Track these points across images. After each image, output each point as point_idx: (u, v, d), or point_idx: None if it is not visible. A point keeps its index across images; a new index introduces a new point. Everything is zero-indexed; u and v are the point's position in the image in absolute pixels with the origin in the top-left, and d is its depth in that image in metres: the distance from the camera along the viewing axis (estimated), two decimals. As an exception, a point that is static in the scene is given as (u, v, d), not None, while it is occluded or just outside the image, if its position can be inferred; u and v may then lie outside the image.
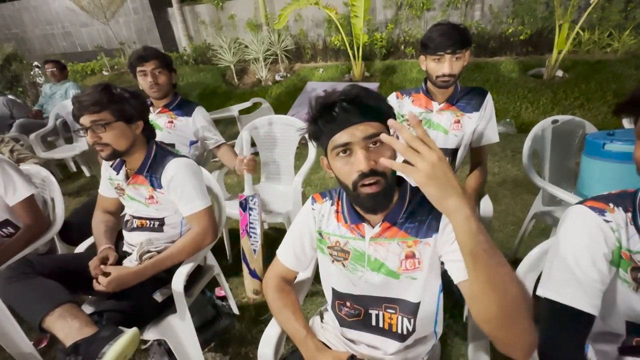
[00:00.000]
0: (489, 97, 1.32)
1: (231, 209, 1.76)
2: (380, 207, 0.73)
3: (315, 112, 0.71)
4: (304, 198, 1.75)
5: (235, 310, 1.61)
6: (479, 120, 1.31)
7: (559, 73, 3.96)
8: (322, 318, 0.95)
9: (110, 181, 1.27)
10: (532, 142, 1.55)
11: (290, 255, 0.89)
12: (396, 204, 0.76)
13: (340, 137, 0.67)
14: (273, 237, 2.09)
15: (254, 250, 1.52)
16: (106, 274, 1.05)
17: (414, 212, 0.75)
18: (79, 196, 3.05)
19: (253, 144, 3.39)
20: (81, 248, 1.36)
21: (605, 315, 0.65)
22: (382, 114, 0.69)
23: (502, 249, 1.90)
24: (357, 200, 0.73)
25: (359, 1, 4.31)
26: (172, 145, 1.64)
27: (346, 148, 0.68)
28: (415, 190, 0.78)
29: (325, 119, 0.69)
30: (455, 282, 0.67)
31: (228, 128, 4.30)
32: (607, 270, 0.62)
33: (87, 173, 3.43)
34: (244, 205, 1.52)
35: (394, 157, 0.70)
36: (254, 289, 1.55)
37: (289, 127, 1.92)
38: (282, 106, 4.47)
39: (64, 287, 1.02)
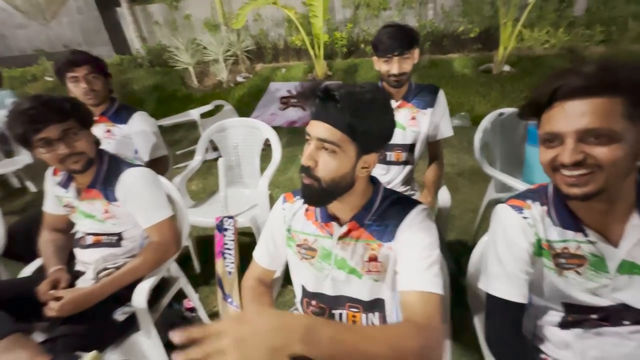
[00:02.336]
0: (441, 93, 1.39)
1: (196, 216, 1.71)
2: (310, 201, 0.75)
3: (301, 93, 0.71)
4: (272, 200, 1.74)
5: (207, 321, 1.57)
6: (433, 116, 1.38)
7: (506, 68, 4.26)
8: None
9: (57, 199, 1.18)
10: (482, 135, 1.65)
11: (264, 255, 0.91)
12: (365, 205, 0.77)
13: (309, 125, 0.70)
14: (242, 242, 2.05)
15: (229, 273, 1.49)
16: (59, 298, 0.97)
17: (383, 215, 0.77)
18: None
19: (215, 149, 3.31)
20: (28, 271, 1.25)
21: (544, 298, 0.73)
22: (352, 128, 0.67)
23: (463, 235, 2.01)
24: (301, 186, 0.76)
25: (317, 1, 4.33)
26: None
27: (308, 137, 0.70)
28: (388, 194, 0.80)
29: (308, 103, 0.71)
30: (398, 289, 0.71)
31: (190, 133, 4.14)
32: (530, 262, 0.70)
33: (32, 189, 3.14)
34: (219, 227, 1.50)
35: (346, 171, 0.69)
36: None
37: (253, 129, 1.89)
38: (245, 108, 4.39)
39: (10, 315, 0.94)
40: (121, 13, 6.36)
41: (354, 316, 0.81)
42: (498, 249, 0.72)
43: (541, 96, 0.60)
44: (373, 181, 0.81)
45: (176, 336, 0.44)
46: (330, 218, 0.79)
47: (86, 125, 1.07)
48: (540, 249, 0.69)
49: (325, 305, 0.83)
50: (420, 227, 0.73)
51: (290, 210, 0.85)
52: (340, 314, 0.82)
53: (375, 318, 0.81)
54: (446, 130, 1.42)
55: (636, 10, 4.30)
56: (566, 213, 0.67)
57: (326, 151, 0.68)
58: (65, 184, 1.14)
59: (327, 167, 0.69)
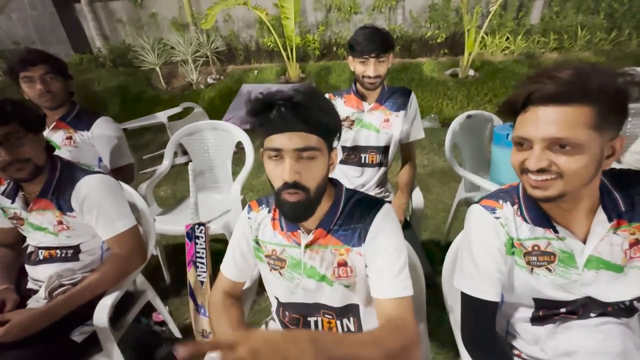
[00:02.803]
0: (412, 96, 1.42)
1: (165, 224, 1.63)
2: (299, 217, 0.72)
3: (252, 109, 0.67)
4: (244, 205, 1.69)
5: (178, 334, 1.49)
6: (405, 118, 1.40)
7: (471, 72, 4.46)
8: (267, 329, 0.92)
9: (2, 211, 1.07)
10: (451, 136, 1.71)
11: (232, 267, 0.86)
12: (329, 209, 0.76)
13: (273, 141, 0.65)
14: (214, 249, 1.98)
15: (201, 283, 1.42)
16: (4, 322, 0.87)
17: (348, 219, 0.75)
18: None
19: (185, 152, 3.18)
20: (-31, 292, 1.12)
21: (515, 295, 0.75)
22: (323, 127, 0.67)
23: (436, 234, 2.07)
24: (280, 207, 0.72)
25: (289, 2, 4.31)
26: None
27: (277, 153, 0.66)
28: (350, 196, 0.78)
29: (262, 119, 0.66)
30: (372, 295, 0.73)
31: (157, 136, 3.96)
32: (503, 261, 0.72)
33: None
34: (190, 235, 1.42)
35: (325, 172, 0.70)
36: (202, 329, 1.44)
37: (224, 132, 1.83)
38: (216, 110, 4.26)
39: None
40: (80, 9, 5.97)
41: (329, 322, 0.80)
42: (472, 249, 0.73)
43: (517, 99, 0.61)
44: (334, 183, 0.79)
45: (182, 351, 0.43)
46: (295, 227, 0.76)
47: (33, 129, 0.97)
48: (512, 247, 0.71)
49: (299, 314, 0.81)
50: (388, 231, 0.73)
51: (256, 219, 0.82)
52: (316, 321, 0.80)
53: (350, 324, 0.80)
54: (418, 132, 1.45)
55: (584, 20, 4.68)
56: (536, 211, 0.69)
57: (305, 159, 0.66)
58: (11, 194, 1.03)
59: (313, 174, 0.67)
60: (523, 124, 0.61)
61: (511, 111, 0.64)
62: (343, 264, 0.75)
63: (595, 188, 0.65)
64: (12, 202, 1.03)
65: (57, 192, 1.02)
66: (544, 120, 0.58)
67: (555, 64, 0.59)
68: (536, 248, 0.69)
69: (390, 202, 1.54)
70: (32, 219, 1.03)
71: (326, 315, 0.79)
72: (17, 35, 6.12)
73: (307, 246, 0.76)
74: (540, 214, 0.69)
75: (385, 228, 0.73)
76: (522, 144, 0.62)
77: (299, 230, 0.76)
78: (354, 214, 0.76)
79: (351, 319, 0.80)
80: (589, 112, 0.56)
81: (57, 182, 1.02)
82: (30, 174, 0.96)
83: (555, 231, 0.68)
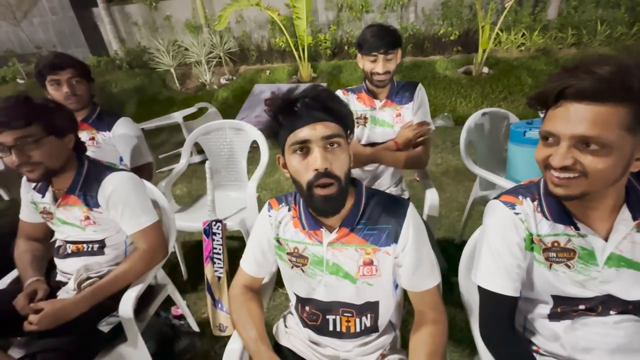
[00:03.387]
0: (419, 87, 1.41)
1: (182, 221, 1.67)
2: (333, 211, 0.72)
3: (277, 106, 0.70)
4: (260, 203, 1.72)
5: (195, 328, 1.53)
6: (413, 108, 1.39)
7: (485, 70, 4.39)
8: (285, 323, 0.94)
9: (33, 205, 1.12)
10: (467, 134, 1.69)
11: (252, 263, 0.88)
12: (352, 208, 0.76)
13: (300, 133, 0.67)
14: (230, 246, 2.02)
15: (218, 278, 1.45)
16: (38, 311, 0.92)
17: (373, 218, 0.76)
18: (-3, 224, 2.64)
19: (201, 151, 3.25)
20: (3, 283, 1.18)
21: (534, 291, 0.75)
22: (342, 116, 0.71)
23: (450, 233, 2.05)
24: (311, 202, 0.72)
25: (301, 2, 4.34)
26: None
27: (304, 146, 0.68)
28: (371, 194, 0.79)
29: (287, 113, 0.69)
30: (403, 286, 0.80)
31: (172, 136, 4.05)
32: (523, 256, 0.72)
33: (5, 196, 2.98)
34: (207, 232, 1.46)
35: (349, 163, 0.72)
36: (219, 323, 1.47)
37: (238, 131, 1.87)
38: (229, 110, 4.33)
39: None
40: (98, 13, 6.15)
41: (347, 320, 0.80)
42: (491, 244, 0.73)
43: (550, 92, 0.59)
44: (354, 183, 0.80)
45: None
46: (317, 225, 0.77)
47: (56, 132, 0.98)
48: (531, 243, 0.71)
49: (319, 310, 0.82)
50: (417, 229, 0.76)
51: (277, 218, 0.83)
52: (334, 319, 0.81)
53: (367, 320, 0.81)
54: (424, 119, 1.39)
55: (604, 15, 4.53)
56: (557, 207, 0.69)
57: (332, 147, 0.69)
58: (41, 189, 1.08)
59: (341, 162, 0.69)
60: (553, 118, 0.59)
61: (542, 104, 0.62)
62: (369, 263, 0.76)
63: (621, 186, 0.64)
64: (43, 197, 1.08)
65: (85, 189, 1.06)
66: (575, 117, 0.56)
67: (596, 57, 0.55)
68: (556, 244, 0.69)
69: (407, 200, 1.54)
70: (59, 213, 1.08)
71: (345, 314, 0.80)
72: (38, 40, 6.34)
73: (330, 244, 0.76)
74: (561, 210, 0.68)
75: (415, 226, 0.76)
76: (548, 138, 0.61)
77: (321, 229, 0.77)
78: (378, 213, 0.77)
79: (369, 315, 0.81)
80: (624, 112, 0.53)
81: (84, 179, 1.07)
82: (41, 175, 0.98)
83: (577, 228, 0.67)
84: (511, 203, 0.72)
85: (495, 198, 0.76)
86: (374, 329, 0.82)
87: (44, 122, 0.95)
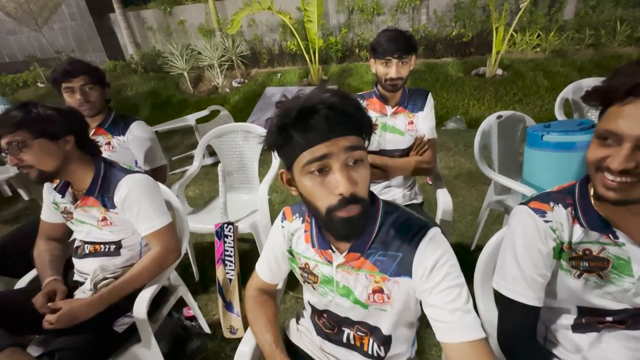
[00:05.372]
0: (429, 96, 1.41)
1: (194, 223, 1.69)
2: (355, 234, 0.63)
3: (289, 118, 0.57)
4: (271, 205, 1.72)
5: (207, 329, 1.54)
6: (425, 117, 1.39)
7: (499, 71, 4.32)
8: (298, 320, 0.94)
9: (55, 205, 1.15)
10: (481, 137, 1.66)
11: (266, 270, 0.88)
12: (365, 230, 0.66)
13: (318, 150, 0.56)
14: (242, 248, 2.03)
15: (230, 280, 1.46)
16: (56, 310, 0.94)
17: (386, 243, 0.67)
18: (18, 223, 2.73)
19: (213, 154, 3.29)
20: (22, 282, 1.21)
21: (558, 301, 0.72)
22: (363, 127, 0.60)
23: (463, 238, 2.01)
24: (330, 226, 0.62)
25: (312, 6, 4.37)
26: None
27: (323, 165, 0.56)
28: (389, 212, 0.69)
29: (300, 128, 0.56)
30: (438, 339, 0.63)
31: (185, 138, 4.12)
32: (549, 266, 0.68)
33: (25, 197, 3.08)
34: (219, 234, 1.47)
35: (369, 175, 0.61)
36: (230, 325, 1.47)
37: (250, 134, 1.88)
38: (241, 113, 4.38)
39: (4, 329, 0.90)
40: (114, 19, 6.33)
41: (361, 338, 0.78)
42: (517, 252, 0.70)
43: (617, 87, 0.53)
44: (372, 198, 0.68)
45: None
46: (326, 245, 0.70)
47: (49, 135, 0.99)
48: (560, 252, 0.68)
49: (334, 322, 0.80)
50: (437, 260, 0.63)
51: (289, 229, 0.78)
52: (348, 335, 0.79)
53: (380, 350, 0.77)
54: (426, 131, 1.39)
55: (624, 14, 4.41)
56: (594, 214, 0.65)
57: (354, 166, 0.58)
58: (61, 190, 1.11)
59: (365, 181, 0.59)
60: (616, 116, 0.54)
61: (604, 100, 0.56)
62: (379, 291, 0.69)
63: None
64: (62, 197, 1.11)
65: (102, 191, 1.09)
66: None
67: None
68: (588, 252, 0.65)
69: (420, 204, 1.52)
70: (77, 214, 1.10)
71: (359, 332, 0.77)
72: (58, 44, 6.57)
73: (339, 266, 0.71)
74: (598, 217, 0.64)
75: (433, 256, 0.63)
76: (607, 138, 0.55)
77: (329, 250, 0.71)
78: (393, 238, 0.67)
79: (382, 347, 0.76)
80: None
81: (102, 181, 1.09)
82: (37, 177, 1.01)
83: (615, 237, 0.63)
84: (541, 210, 0.68)
85: (522, 203, 0.73)
86: (387, 357, 0.77)
87: (32, 127, 0.98)
